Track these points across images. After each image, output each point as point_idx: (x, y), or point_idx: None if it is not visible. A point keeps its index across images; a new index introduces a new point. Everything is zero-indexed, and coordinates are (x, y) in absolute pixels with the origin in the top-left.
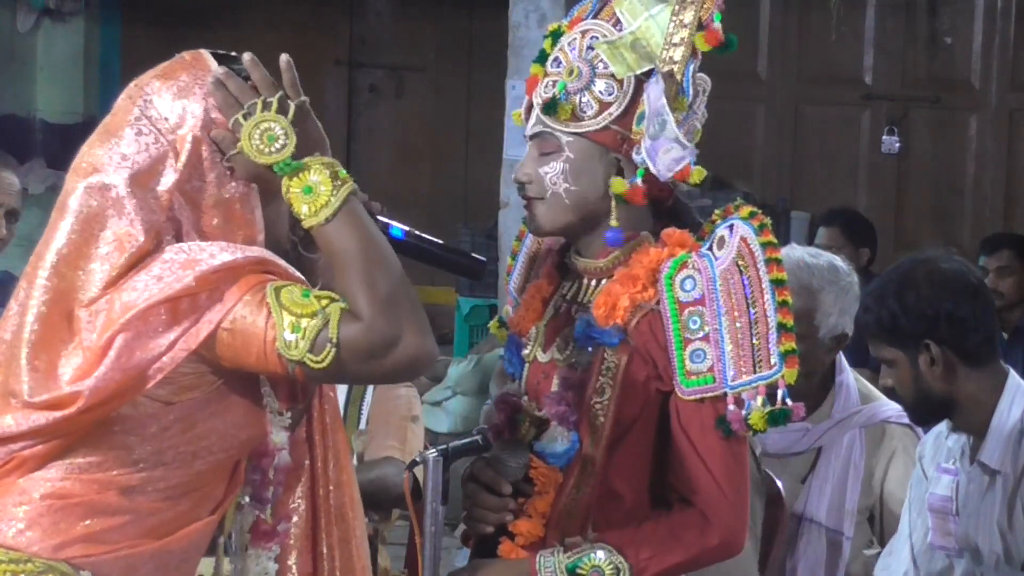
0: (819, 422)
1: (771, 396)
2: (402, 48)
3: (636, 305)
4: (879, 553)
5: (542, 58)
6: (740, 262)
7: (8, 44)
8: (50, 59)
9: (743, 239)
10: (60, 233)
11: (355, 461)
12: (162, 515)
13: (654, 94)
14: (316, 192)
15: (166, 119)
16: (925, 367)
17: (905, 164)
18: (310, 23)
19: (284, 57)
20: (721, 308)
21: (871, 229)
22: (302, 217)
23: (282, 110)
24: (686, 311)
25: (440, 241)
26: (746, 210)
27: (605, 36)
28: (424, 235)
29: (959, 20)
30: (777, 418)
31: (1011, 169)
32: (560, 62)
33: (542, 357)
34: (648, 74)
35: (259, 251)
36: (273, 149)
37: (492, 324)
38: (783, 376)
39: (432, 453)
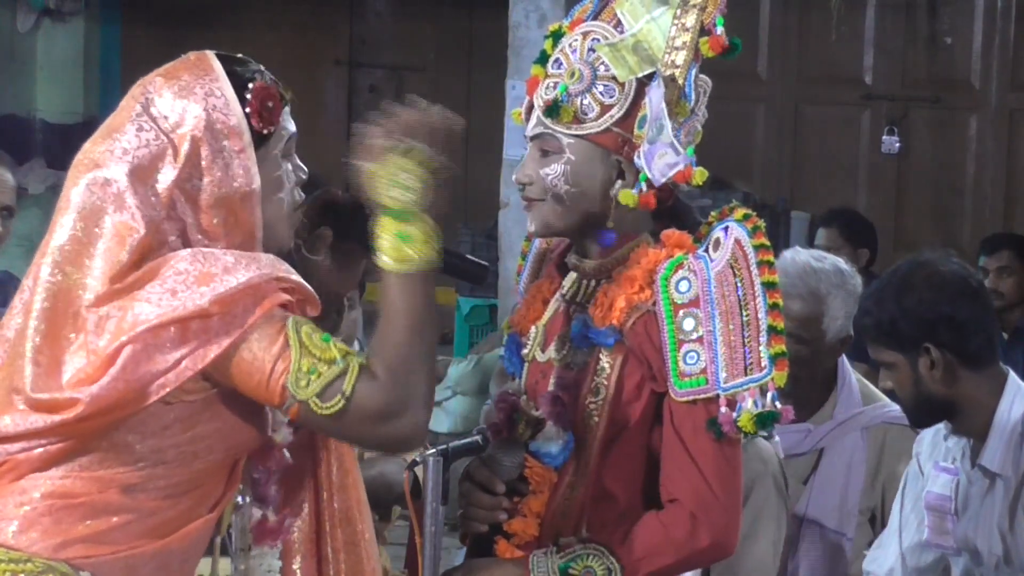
0: (821, 423)
1: (763, 398)
2: (402, 48)
3: (632, 306)
4: None
5: (543, 59)
6: (734, 264)
7: (8, 44)
8: (50, 59)
9: (737, 241)
10: (62, 229)
11: None
12: (163, 514)
13: (655, 98)
14: (408, 244)
15: (166, 117)
16: (925, 370)
17: (905, 164)
18: (310, 23)
19: (448, 121)
20: (715, 310)
21: (870, 230)
22: (381, 254)
23: (425, 162)
24: (681, 312)
25: (444, 247)
26: (741, 212)
27: (606, 38)
28: None
29: (959, 20)
30: (766, 420)
31: (1011, 169)
32: (561, 63)
33: (540, 357)
34: (650, 77)
35: (272, 262)
36: (402, 196)
37: (504, 324)
38: (773, 379)
39: (432, 453)
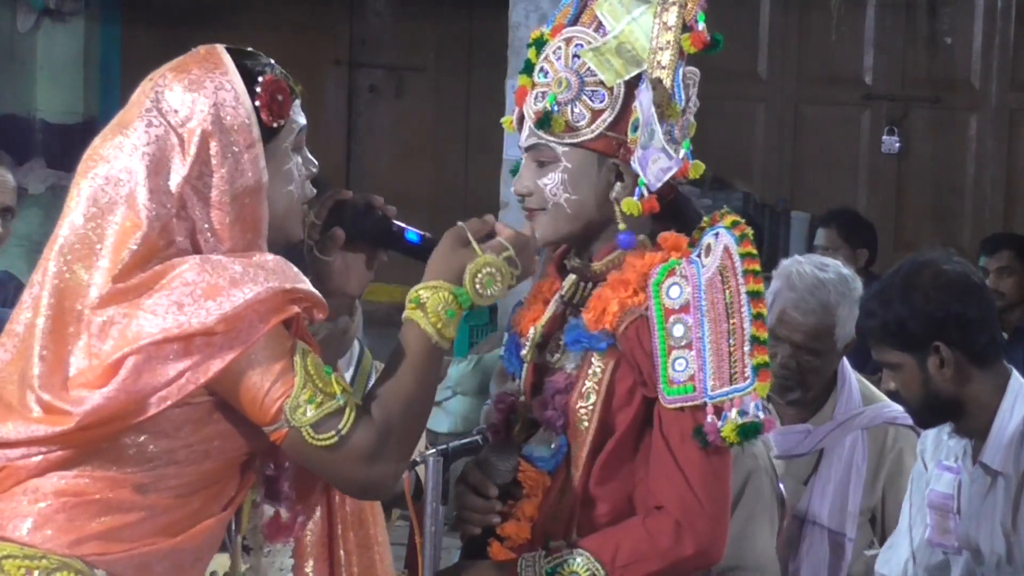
0: (821, 424)
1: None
2: (402, 48)
3: (626, 310)
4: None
5: (528, 68)
6: (723, 271)
7: (8, 44)
8: (50, 59)
9: (726, 248)
10: (71, 225)
11: None
12: (175, 512)
13: (645, 101)
14: (451, 323)
15: (176, 111)
16: (934, 369)
17: (905, 164)
18: (310, 23)
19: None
20: (704, 317)
21: (870, 230)
22: (425, 317)
23: (510, 273)
24: (671, 318)
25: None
26: (729, 219)
27: (590, 43)
28: (440, 240)
29: (959, 20)
30: (748, 431)
31: (1011, 169)
32: (547, 72)
33: (538, 358)
34: (638, 78)
35: (280, 269)
36: (481, 289)
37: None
38: (755, 389)
39: (432, 453)
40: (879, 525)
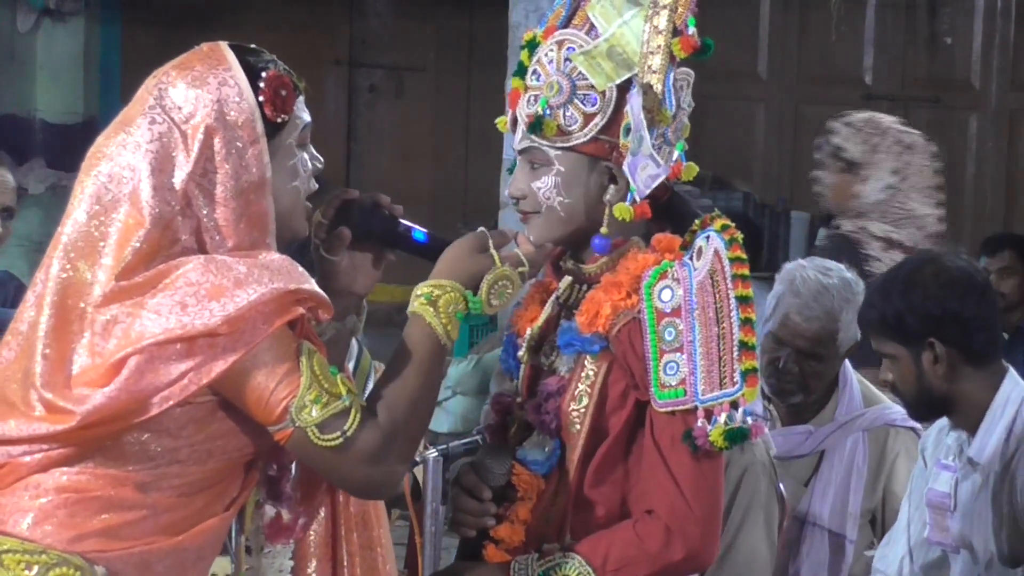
0: (822, 425)
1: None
2: (402, 48)
3: (618, 313)
4: None
5: (521, 71)
6: (714, 275)
7: (8, 44)
8: (50, 59)
9: (716, 252)
10: (74, 223)
11: None
12: (178, 511)
13: (635, 107)
14: (457, 325)
15: (180, 108)
16: (928, 365)
17: None
18: (310, 23)
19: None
20: (695, 321)
21: None
22: (436, 317)
23: (522, 280)
24: (663, 321)
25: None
26: (719, 223)
27: (581, 47)
28: (447, 240)
29: (959, 20)
30: (735, 437)
31: (1011, 169)
32: (539, 75)
33: (533, 359)
34: (629, 82)
35: (285, 270)
36: (490, 299)
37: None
38: (744, 395)
39: (432, 453)
40: (879, 526)
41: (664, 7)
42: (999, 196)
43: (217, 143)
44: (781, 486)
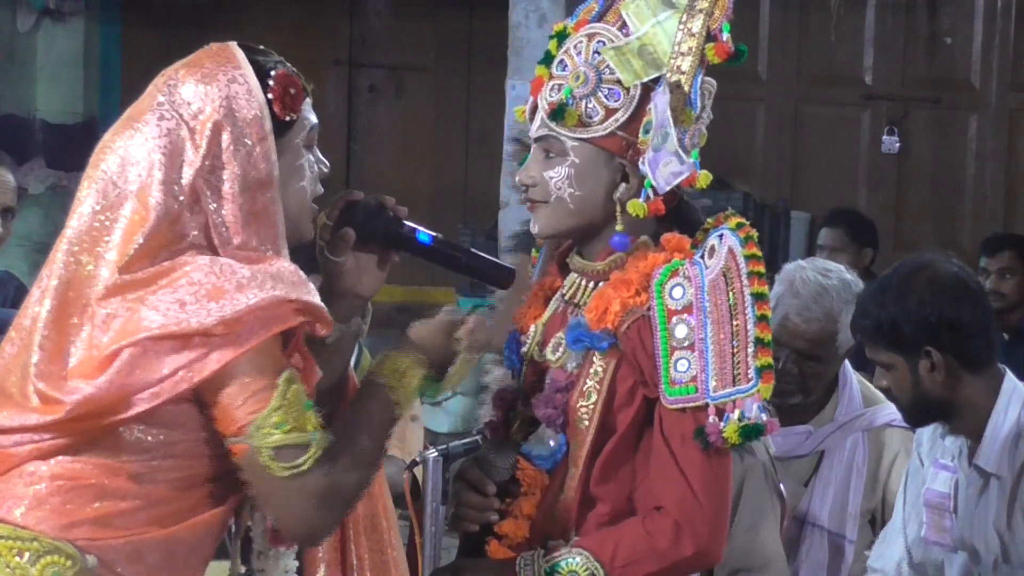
0: (822, 425)
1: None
2: (402, 48)
3: (628, 310)
4: None
5: (547, 60)
6: (727, 273)
7: (8, 44)
8: (50, 59)
9: (731, 250)
10: (80, 218)
11: None
12: (173, 503)
13: (661, 104)
14: (415, 400)
15: (188, 104)
16: (925, 372)
17: (905, 164)
18: (310, 23)
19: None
20: (708, 318)
21: (874, 229)
22: (405, 390)
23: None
24: (674, 319)
25: (469, 249)
26: (734, 221)
27: (612, 41)
28: (452, 242)
29: (959, 20)
30: (750, 433)
31: (1011, 169)
32: (566, 65)
33: (538, 356)
34: (655, 81)
35: (291, 280)
36: (454, 380)
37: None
38: (759, 391)
39: (432, 453)
40: (879, 526)
41: (700, 11)
42: (999, 196)
43: (225, 139)
44: (781, 486)
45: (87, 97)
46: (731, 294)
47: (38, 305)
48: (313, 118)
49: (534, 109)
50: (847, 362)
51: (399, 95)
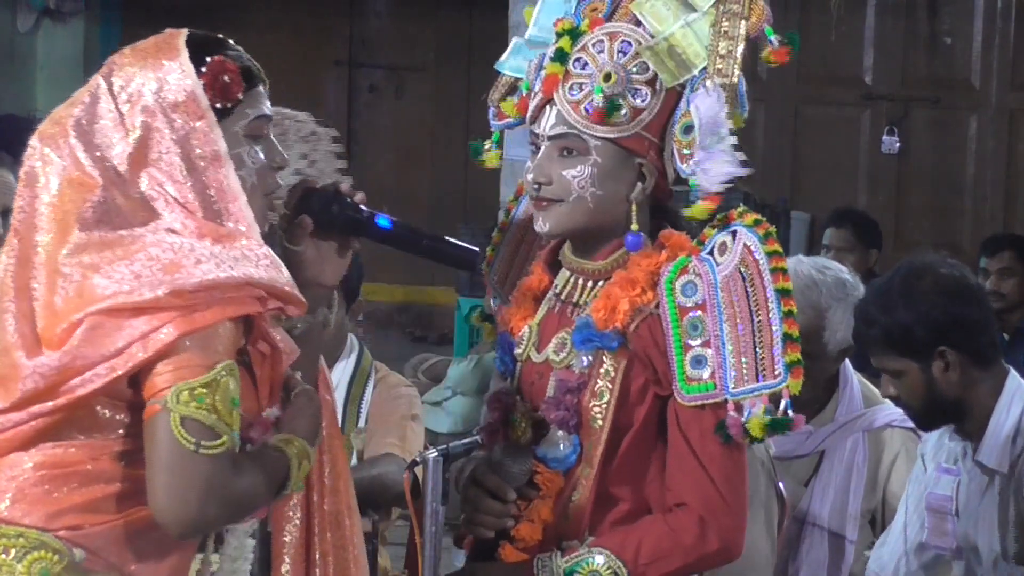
0: (822, 425)
1: (775, 405)
2: (402, 48)
3: (635, 309)
4: None
5: (561, 57)
6: (743, 269)
7: (8, 44)
8: (50, 59)
9: (747, 247)
10: (20, 199)
11: (355, 459)
12: None
13: (705, 106)
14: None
15: (123, 88)
16: (939, 374)
17: (905, 164)
18: (310, 23)
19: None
20: (723, 315)
21: (879, 229)
22: (298, 466)
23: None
24: (687, 316)
25: (431, 233)
26: (751, 217)
27: (639, 42)
28: (413, 226)
29: (959, 20)
30: (777, 427)
31: (1011, 169)
32: (586, 64)
33: (536, 357)
34: (683, 83)
35: (254, 259)
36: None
37: (475, 317)
38: (788, 386)
39: (432, 453)
40: (879, 527)
41: (735, 14)
42: (999, 196)
43: (160, 123)
44: (780, 485)
45: None
46: (750, 290)
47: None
48: (262, 108)
49: (541, 106)
50: (847, 362)
51: (399, 95)
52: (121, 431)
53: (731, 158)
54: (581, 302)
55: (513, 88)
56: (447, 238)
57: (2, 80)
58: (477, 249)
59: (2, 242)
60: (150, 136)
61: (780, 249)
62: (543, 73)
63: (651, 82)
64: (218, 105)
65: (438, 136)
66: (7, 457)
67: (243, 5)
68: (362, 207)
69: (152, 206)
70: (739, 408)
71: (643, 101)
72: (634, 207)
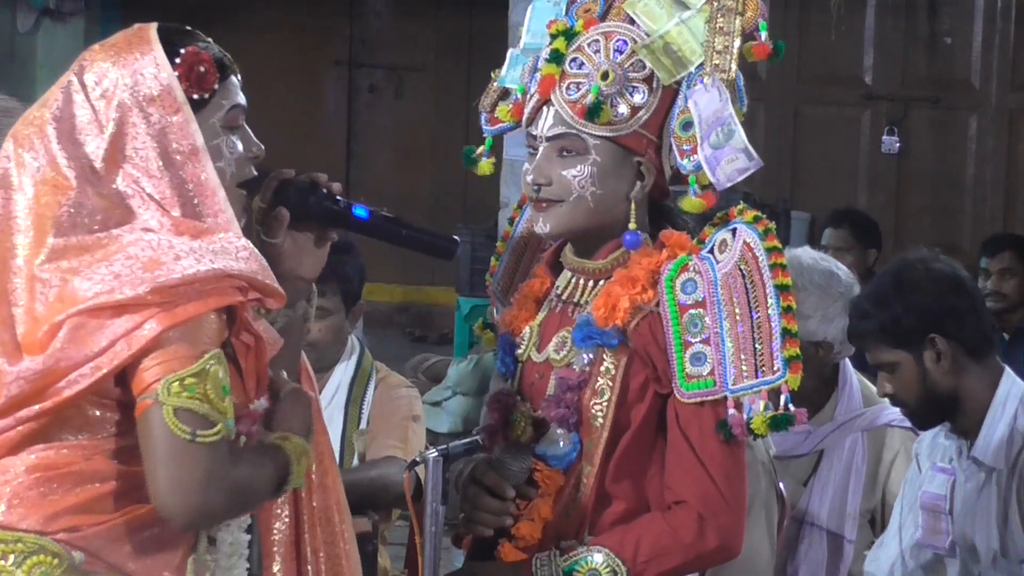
0: (821, 425)
1: (774, 401)
2: (402, 48)
3: (636, 307)
4: None
5: (557, 58)
6: (743, 266)
7: (8, 44)
8: (50, 59)
9: (747, 243)
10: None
11: (356, 460)
12: None
13: (704, 101)
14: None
15: (97, 83)
16: (931, 363)
17: (905, 164)
18: (310, 23)
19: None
20: (722, 312)
21: (878, 230)
22: (297, 462)
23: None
24: (687, 314)
25: (409, 222)
26: (750, 214)
27: (635, 40)
28: (391, 216)
29: (959, 20)
30: (780, 423)
31: (1011, 169)
32: (582, 64)
33: (537, 357)
34: (678, 80)
35: (233, 252)
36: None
37: (477, 326)
38: (787, 381)
39: (432, 453)
40: (878, 527)
41: (730, 10)
42: (999, 196)
43: (135, 118)
44: (781, 486)
45: None
46: (750, 287)
47: None
48: (237, 99)
49: (538, 107)
50: (847, 361)
51: (399, 95)
52: (112, 429)
53: (743, 153)
54: (582, 302)
55: (505, 93)
56: (425, 228)
57: (2, 80)
58: (456, 238)
59: None
60: (125, 131)
61: (779, 245)
62: (539, 75)
63: (648, 80)
64: (195, 96)
65: (438, 136)
66: None
67: (243, 5)
68: (338, 197)
69: (128, 204)
70: (739, 405)
71: (641, 99)
72: (633, 206)
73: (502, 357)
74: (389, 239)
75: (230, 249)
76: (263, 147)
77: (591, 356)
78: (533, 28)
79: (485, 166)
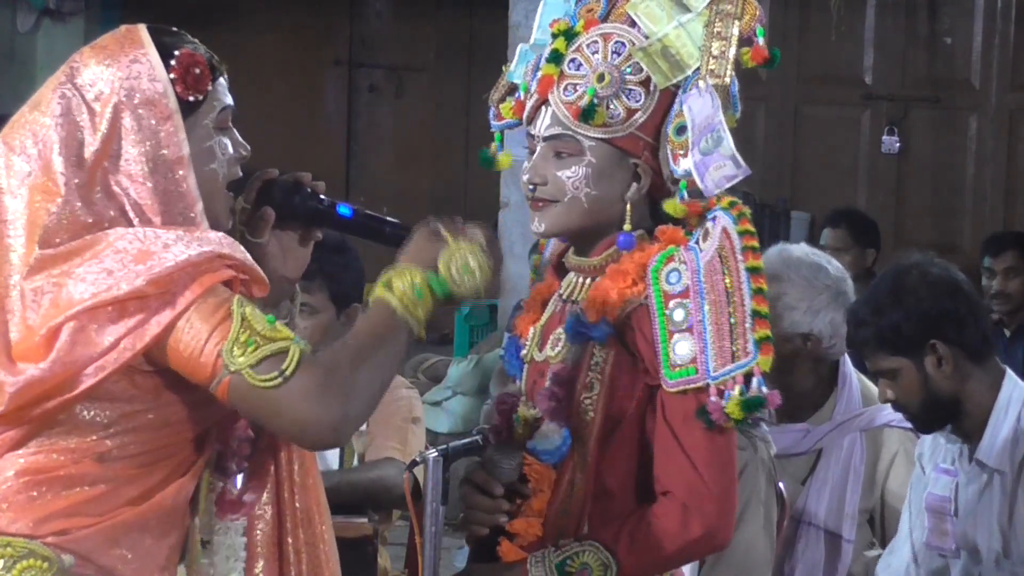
0: (820, 424)
1: (749, 385)
2: (402, 48)
3: (625, 300)
4: (880, 555)
5: (556, 58)
6: (722, 253)
7: (8, 44)
8: (50, 59)
9: (724, 230)
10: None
11: (356, 461)
12: (140, 482)
13: (698, 107)
14: (420, 304)
15: (91, 85)
16: (932, 368)
17: (905, 164)
18: (310, 23)
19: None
20: (704, 300)
21: (876, 230)
22: (392, 292)
23: (483, 253)
24: (671, 303)
25: (395, 220)
26: (726, 200)
27: (633, 43)
28: (374, 213)
29: (959, 20)
30: (751, 405)
31: (1011, 169)
32: (580, 65)
33: (538, 356)
34: (677, 84)
35: (215, 240)
36: (456, 276)
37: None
38: (758, 364)
39: (432, 453)
40: (877, 527)
41: (728, 15)
42: (999, 196)
43: (128, 121)
44: (781, 486)
45: None
46: (727, 274)
47: None
48: (227, 99)
49: (537, 107)
50: (847, 361)
51: (399, 95)
52: (100, 431)
53: (731, 161)
54: (579, 299)
55: (513, 89)
56: (411, 225)
57: (2, 80)
58: (407, 226)
59: None
60: (116, 135)
61: (752, 229)
62: (539, 74)
63: (645, 83)
64: (190, 98)
65: (438, 136)
66: None
67: (243, 5)
68: (322, 196)
69: (113, 208)
70: (721, 392)
71: (637, 102)
72: (628, 207)
73: (509, 359)
74: (374, 237)
75: (212, 238)
76: (249, 147)
77: (580, 351)
78: (544, 24)
79: (503, 160)
